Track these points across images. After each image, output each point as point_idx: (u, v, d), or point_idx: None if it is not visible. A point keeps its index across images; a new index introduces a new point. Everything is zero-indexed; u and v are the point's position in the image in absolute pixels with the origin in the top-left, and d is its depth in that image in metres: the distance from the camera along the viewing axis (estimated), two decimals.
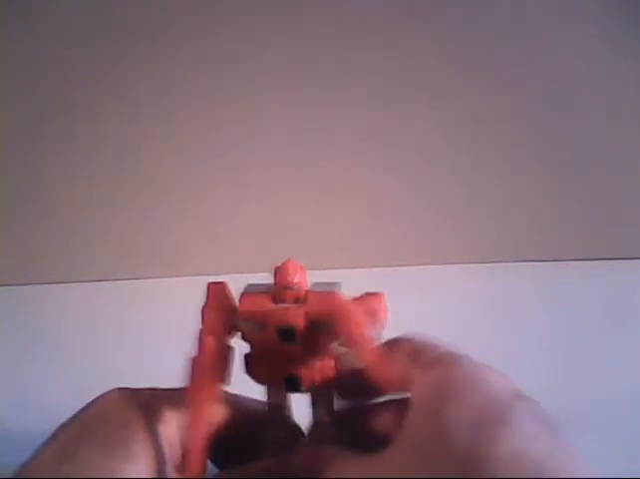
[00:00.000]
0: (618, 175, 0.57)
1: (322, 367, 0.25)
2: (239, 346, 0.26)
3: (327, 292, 0.25)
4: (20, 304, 0.52)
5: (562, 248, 0.58)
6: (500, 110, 0.54)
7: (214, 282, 0.26)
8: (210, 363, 0.24)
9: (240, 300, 0.25)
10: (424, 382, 0.22)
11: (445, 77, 0.53)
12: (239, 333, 0.25)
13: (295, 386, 0.25)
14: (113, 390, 0.26)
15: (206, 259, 0.55)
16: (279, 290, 0.25)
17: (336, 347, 0.25)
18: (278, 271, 0.25)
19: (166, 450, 0.24)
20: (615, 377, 0.43)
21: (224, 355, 0.25)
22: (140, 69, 0.52)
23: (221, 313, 0.25)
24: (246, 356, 0.26)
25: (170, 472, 0.24)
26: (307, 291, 0.25)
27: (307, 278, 0.25)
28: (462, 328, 0.39)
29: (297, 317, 0.24)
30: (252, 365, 0.26)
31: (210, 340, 0.25)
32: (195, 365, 0.25)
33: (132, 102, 0.53)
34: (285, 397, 0.27)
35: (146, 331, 0.46)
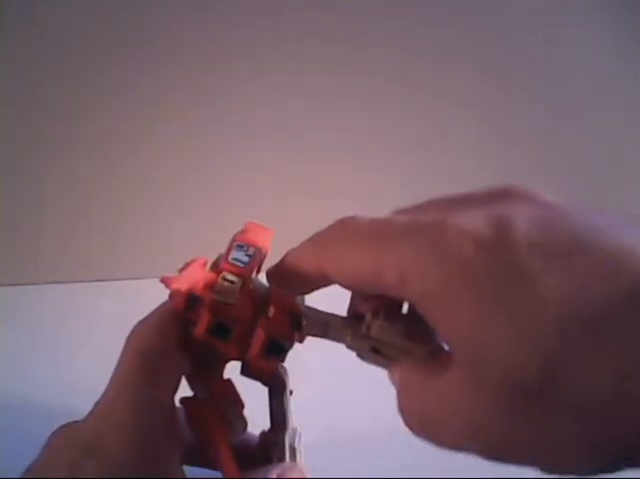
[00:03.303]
0: (618, 174, 0.57)
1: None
2: None
3: None
4: (20, 304, 0.52)
5: None
6: (500, 110, 0.54)
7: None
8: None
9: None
10: None
11: (445, 77, 0.53)
12: None
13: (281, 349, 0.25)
14: (57, 432, 0.24)
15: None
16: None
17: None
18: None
19: None
20: None
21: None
22: (138, 70, 0.52)
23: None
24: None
25: None
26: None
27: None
28: None
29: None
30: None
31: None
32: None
33: (131, 103, 0.52)
34: (285, 401, 0.27)
35: None
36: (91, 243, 0.56)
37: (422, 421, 0.19)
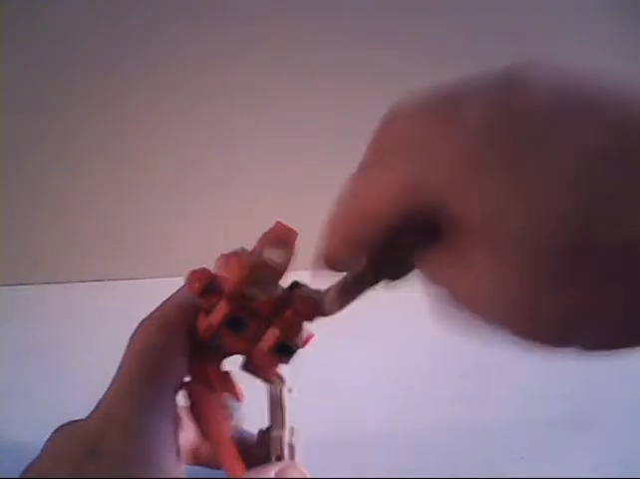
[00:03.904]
0: None
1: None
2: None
3: None
4: (20, 304, 0.52)
5: None
6: None
7: None
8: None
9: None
10: None
11: (444, 77, 0.53)
12: None
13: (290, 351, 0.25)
14: (58, 432, 0.24)
15: (207, 260, 0.55)
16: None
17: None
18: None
19: None
20: (617, 375, 0.43)
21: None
22: (138, 70, 0.52)
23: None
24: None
25: None
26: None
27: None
28: None
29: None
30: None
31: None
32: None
33: (131, 103, 0.53)
34: (284, 400, 0.27)
35: None
36: (91, 244, 0.56)
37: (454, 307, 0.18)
